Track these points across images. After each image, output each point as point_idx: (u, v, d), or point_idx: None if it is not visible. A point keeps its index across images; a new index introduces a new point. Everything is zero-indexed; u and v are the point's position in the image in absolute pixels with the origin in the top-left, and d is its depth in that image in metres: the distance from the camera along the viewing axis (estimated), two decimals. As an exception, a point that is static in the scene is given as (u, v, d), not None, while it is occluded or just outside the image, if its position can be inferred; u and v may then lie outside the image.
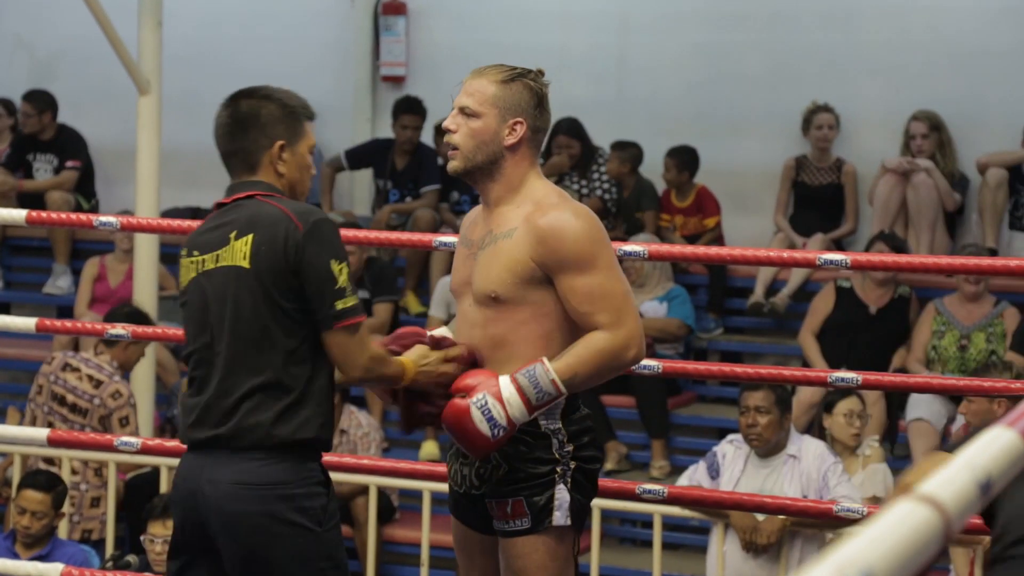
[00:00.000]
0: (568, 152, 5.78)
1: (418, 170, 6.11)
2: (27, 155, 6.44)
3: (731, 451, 4.04)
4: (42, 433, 3.36)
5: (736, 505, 3.24)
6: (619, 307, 2.31)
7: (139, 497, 4.61)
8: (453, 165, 2.39)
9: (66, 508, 3.90)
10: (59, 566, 3.08)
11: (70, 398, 4.61)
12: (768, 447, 3.89)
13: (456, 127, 2.36)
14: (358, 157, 6.23)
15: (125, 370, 4.77)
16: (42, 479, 3.83)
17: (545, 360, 2.24)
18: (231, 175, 2.33)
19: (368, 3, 6.59)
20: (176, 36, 5.13)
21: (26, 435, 3.80)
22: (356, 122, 6.63)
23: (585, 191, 5.78)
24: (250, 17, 6.74)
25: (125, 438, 3.16)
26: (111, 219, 3.38)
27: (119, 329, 3.41)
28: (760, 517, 3.82)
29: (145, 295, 4.95)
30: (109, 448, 3.29)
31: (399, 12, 6.48)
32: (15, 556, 3.61)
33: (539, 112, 2.38)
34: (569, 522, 2.37)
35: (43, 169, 6.42)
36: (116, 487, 4.20)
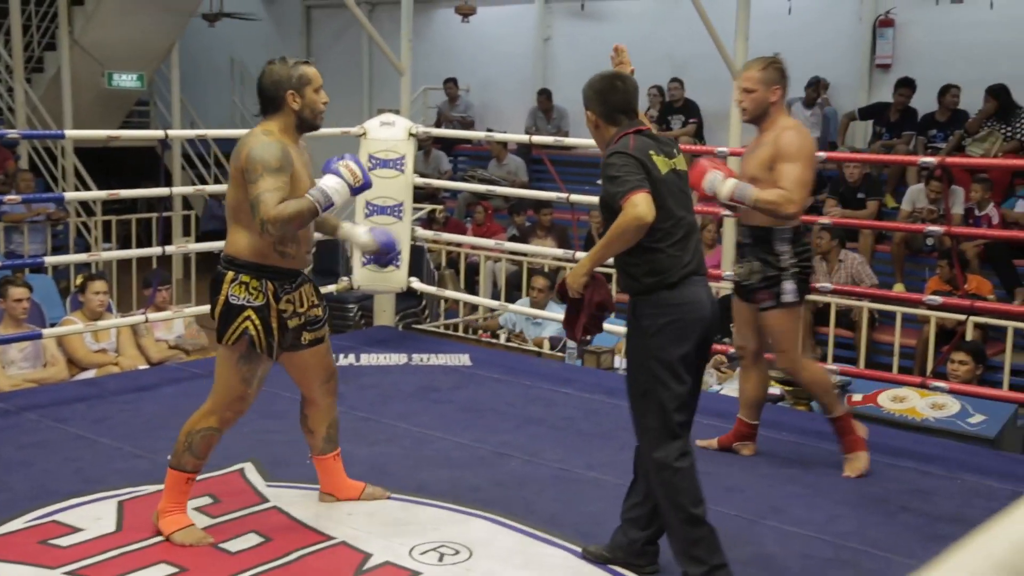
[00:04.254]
0: (993, 103, 8.43)
1: (903, 122, 9.23)
2: (667, 116, 10.52)
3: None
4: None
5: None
6: (796, 183, 3.68)
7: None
8: (746, 116, 3.85)
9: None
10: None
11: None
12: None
13: (743, 98, 3.79)
14: (867, 112, 9.52)
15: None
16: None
17: (755, 189, 3.66)
18: (631, 118, 3.11)
19: (869, 21, 9.78)
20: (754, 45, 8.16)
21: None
22: (858, 92, 9.95)
23: (1008, 133, 8.49)
24: (807, 27, 10.16)
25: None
26: (724, 150, 6.19)
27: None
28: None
29: None
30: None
31: (889, 24, 9.64)
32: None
33: (783, 79, 3.78)
34: (795, 298, 3.80)
35: (676, 123, 10.54)
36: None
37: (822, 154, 5.76)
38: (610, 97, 3.12)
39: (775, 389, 5.28)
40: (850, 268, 7.60)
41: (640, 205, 2.92)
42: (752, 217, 3.86)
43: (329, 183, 3.11)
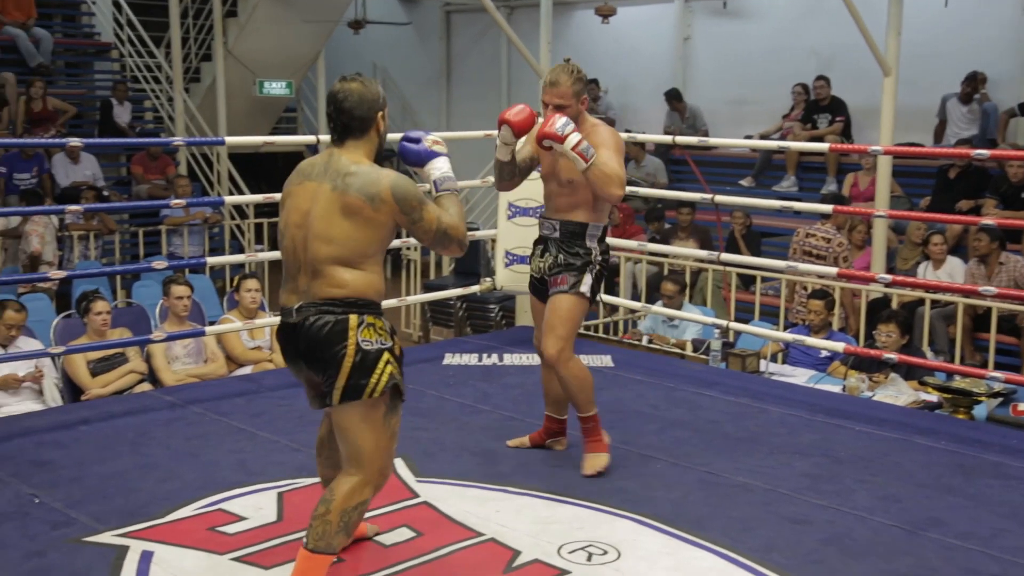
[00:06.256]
0: None
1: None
2: (812, 114, 10.27)
3: None
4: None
5: None
6: (618, 169, 3.72)
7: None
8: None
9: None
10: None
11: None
12: None
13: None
14: None
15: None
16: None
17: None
18: None
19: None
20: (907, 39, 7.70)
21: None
22: (1020, 87, 9.47)
23: None
24: (964, 20, 9.81)
25: None
26: (879, 148, 5.88)
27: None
28: None
29: (882, 197, 7.89)
30: None
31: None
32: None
33: (586, 86, 3.83)
34: (588, 292, 3.88)
35: (822, 122, 10.25)
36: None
37: (984, 152, 5.53)
38: None
39: (932, 396, 5.10)
40: (1012, 271, 7.27)
41: None
42: (570, 212, 3.92)
43: (444, 167, 3.01)
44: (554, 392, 4.16)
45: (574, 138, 3.65)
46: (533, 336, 4.19)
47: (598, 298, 4.06)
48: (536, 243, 4.06)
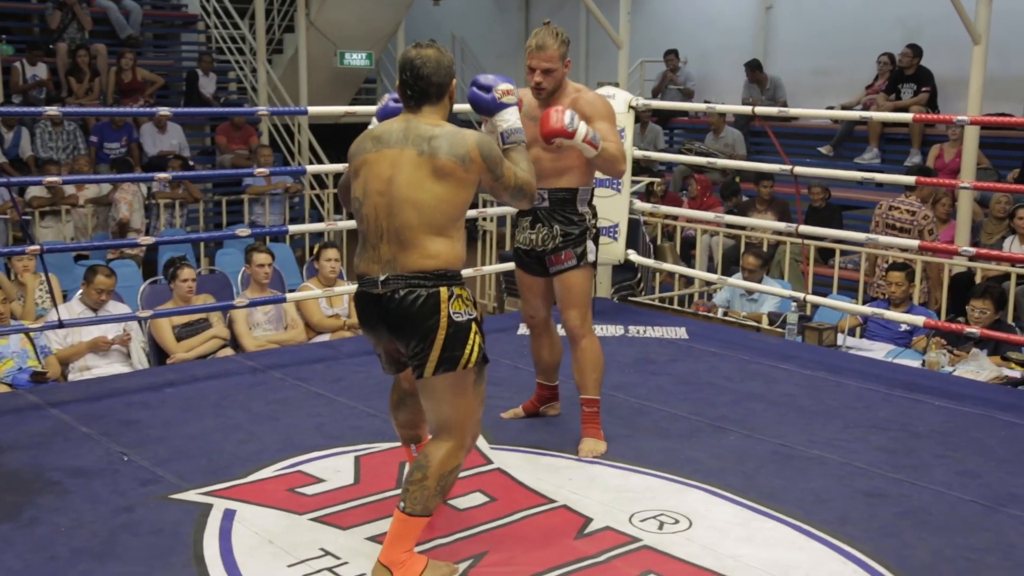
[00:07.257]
0: None
1: None
2: (897, 84, 10.00)
3: None
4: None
5: None
6: (619, 144, 3.71)
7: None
8: (542, 95, 3.73)
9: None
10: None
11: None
12: None
13: (543, 79, 3.71)
14: None
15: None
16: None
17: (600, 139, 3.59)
18: None
19: None
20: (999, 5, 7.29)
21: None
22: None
23: None
24: None
25: None
26: (965, 118, 5.48)
27: None
28: None
29: (968, 169, 7.70)
30: None
31: None
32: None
33: (568, 48, 3.77)
34: (594, 258, 3.88)
35: (907, 92, 10.00)
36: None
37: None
38: None
39: (1015, 372, 4.97)
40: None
41: None
42: (558, 179, 3.82)
43: (512, 118, 3.05)
44: (544, 362, 4.16)
45: (583, 129, 3.57)
46: (522, 310, 4.16)
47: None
48: (522, 215, 3.97)
